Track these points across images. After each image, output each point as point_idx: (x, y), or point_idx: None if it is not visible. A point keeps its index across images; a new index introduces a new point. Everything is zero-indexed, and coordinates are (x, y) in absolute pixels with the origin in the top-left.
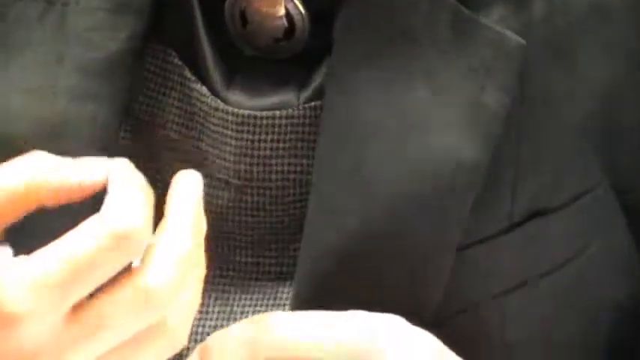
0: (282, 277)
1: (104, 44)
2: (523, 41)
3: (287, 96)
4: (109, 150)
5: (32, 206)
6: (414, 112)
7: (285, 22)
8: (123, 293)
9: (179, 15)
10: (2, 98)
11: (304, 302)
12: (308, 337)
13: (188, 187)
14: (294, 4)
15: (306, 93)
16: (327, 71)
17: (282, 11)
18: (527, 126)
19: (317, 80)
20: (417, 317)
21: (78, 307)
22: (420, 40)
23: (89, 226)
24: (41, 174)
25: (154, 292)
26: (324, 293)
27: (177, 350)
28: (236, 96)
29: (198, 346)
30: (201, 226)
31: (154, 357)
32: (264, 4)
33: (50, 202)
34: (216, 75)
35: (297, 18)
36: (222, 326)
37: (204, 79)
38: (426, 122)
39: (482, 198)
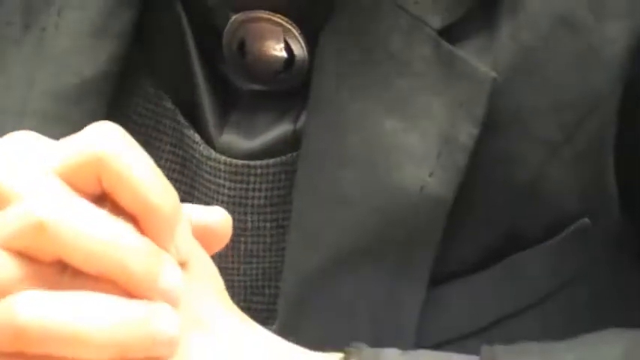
0: (269, 320)
1: (80, 68)
2: (495, 74)
3: (283, 129)
4: None
5: None
6: (384, 142)
7: (284, 53)
8: None
9: (173, 51)
10: None
11: (287, 326)
12: None
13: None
14: (294, 35)
15: (301, 124)
16: (309, 97)
17: (281, 43)
18: (498, 151)
19: None
20: (394, 346)
21: None
22: (398, 65)
23: None
24: None
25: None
26: (304, 317)
27: None
28: (231, 137)
29: None
30: None
31: None
32: (263, 35)
33: None
34: (210, 115)
35: (296, 49)
36: None
37: (198, 120)
38: (393, 154)
39: (453, 232)
